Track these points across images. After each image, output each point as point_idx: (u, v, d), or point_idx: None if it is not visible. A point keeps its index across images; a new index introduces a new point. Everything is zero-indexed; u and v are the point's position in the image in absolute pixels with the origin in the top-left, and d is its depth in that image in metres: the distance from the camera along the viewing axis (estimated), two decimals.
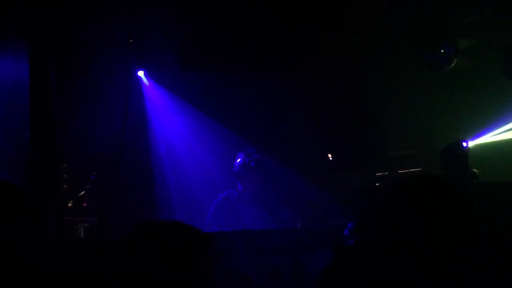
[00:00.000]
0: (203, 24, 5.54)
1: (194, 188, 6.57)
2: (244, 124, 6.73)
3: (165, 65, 6.20)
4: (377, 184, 7.20)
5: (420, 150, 7.66)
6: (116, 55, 5.77)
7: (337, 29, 5.83)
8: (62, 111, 4.16)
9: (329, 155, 7.12)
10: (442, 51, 6.71)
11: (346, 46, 6.20)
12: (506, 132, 7.53)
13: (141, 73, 6.41)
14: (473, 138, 7.47)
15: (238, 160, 5.68)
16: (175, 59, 5.93)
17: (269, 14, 5.49)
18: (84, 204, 6.04)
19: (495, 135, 7.60)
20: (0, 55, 2.45)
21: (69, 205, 5.74)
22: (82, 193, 5.91)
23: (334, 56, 6.25)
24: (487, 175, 6.16)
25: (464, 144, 5.30)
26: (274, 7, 5.40)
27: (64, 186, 5.62)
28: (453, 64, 6.84)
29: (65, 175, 5.63)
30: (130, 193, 5.66)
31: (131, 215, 5.43)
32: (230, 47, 5.88)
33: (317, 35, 5.93)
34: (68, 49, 5.04)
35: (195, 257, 1.63)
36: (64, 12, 4.31)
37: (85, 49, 5.42)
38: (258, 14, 5.48)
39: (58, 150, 3.93)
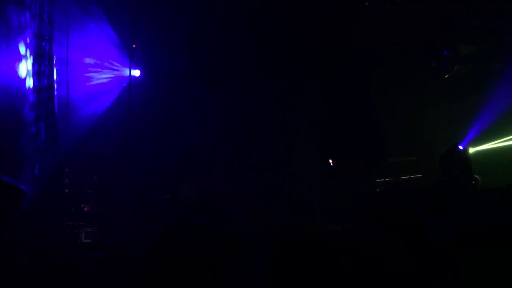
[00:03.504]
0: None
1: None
2: (247, 128, 6.73)
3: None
4: (378, 190, 7.17)
5: (421, 156, 7.64)
6: (120, 58, 5.81)
7: (343, 36, 5.86)
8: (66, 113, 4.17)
9: (330, 161, 7.12)
10: (443, 57, 6.71)
11: (350, 53, 6.22)
12: (507, 139, 7.51)
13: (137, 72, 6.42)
14: (474, 144, 7.45)
15: None
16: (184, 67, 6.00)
17: (271, 21, 5.53)
18: (86, 209, 6.02)
19: (496, 141, 7.58)
20: (5, 58, 2.46)
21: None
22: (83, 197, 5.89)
23: (338, 63, 6.28)
24: (488, 181, 6.14)
25: (461, 148, 5.28)
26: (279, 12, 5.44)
27: (66, 190, 5.61)
28: (453, 71, 6.83)
29: (66, 180, 5.63)
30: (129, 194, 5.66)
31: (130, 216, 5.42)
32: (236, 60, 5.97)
33: (322, 42, 5.96)
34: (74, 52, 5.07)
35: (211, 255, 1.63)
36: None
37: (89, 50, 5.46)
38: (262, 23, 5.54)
39: (61, 154, 3.94)
